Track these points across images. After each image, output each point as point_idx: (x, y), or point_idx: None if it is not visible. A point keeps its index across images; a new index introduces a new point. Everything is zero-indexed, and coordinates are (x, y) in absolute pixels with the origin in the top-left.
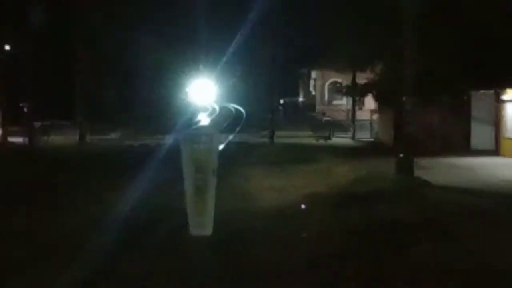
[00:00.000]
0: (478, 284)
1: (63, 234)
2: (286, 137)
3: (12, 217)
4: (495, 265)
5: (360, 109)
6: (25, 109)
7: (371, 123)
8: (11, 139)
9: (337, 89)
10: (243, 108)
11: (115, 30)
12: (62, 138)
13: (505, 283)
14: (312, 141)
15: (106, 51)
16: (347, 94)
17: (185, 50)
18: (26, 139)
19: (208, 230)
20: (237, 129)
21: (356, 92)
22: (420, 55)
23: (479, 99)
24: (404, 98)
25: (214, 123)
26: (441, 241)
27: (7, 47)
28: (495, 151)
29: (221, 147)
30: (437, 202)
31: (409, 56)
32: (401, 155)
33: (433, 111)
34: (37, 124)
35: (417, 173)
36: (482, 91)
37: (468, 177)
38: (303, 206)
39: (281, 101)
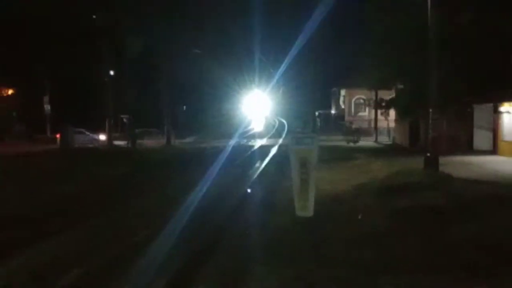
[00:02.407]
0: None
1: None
2: (322, 140)
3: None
4: None
5: (386, 119)
6: (125, 120)
7: (388, 130)
8: (114, 142)
9: (364, 104)
10: (285, 119)
11: (183, 54)
12: (152, 142)
13: None
14: (344, 143)
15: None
16: (372, 107)
17: (242, 71)
18: (128, 142)
19: (310, 212)
20: (283, 135)
21: (379, 106)
22: (439, 74)
23: (481, 110)
24: (431, 110)
25: (264, 130)
26: (472, 221)
27: (111, 72)
28: (493, 151)
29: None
30: (463, 190)
31: (434, 75)
32: (428, 154)
33: (443, 119)
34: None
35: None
36: (483, 104)
37: (479, 171)
38: (359, 216)
39: (317, 113)
